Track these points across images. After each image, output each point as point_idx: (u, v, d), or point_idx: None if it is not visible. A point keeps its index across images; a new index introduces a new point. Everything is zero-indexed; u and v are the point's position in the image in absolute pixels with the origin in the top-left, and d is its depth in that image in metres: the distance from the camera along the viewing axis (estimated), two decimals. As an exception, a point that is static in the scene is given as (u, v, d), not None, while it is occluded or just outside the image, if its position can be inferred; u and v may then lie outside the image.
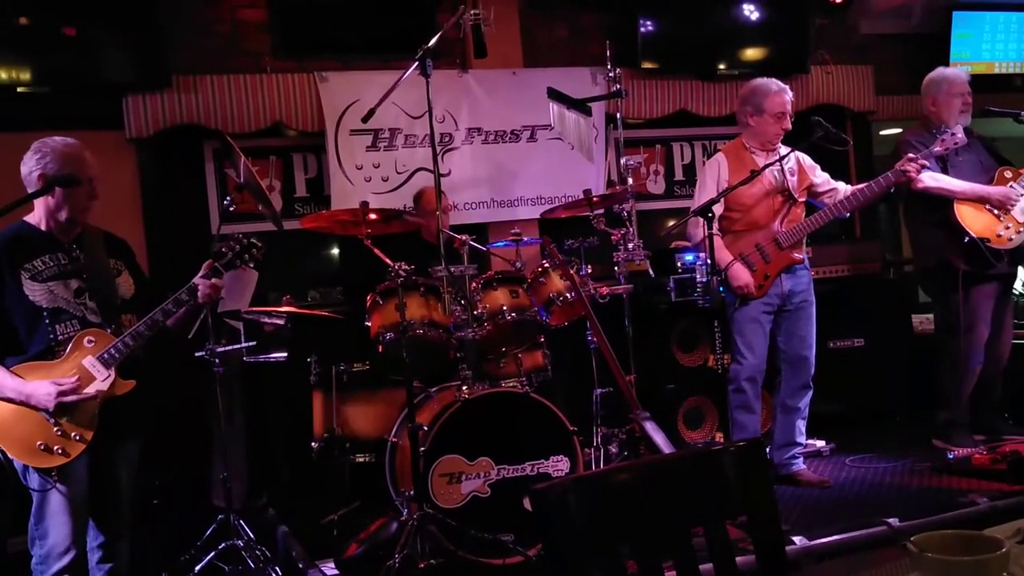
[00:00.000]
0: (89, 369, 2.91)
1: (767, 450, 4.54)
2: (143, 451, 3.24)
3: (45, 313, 2.93)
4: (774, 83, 4.47)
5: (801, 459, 4.60)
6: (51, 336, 2.93)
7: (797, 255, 4.44)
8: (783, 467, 4.52)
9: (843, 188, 4.55)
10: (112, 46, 4.92)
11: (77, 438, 2.87)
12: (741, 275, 4.37)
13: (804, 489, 4.42)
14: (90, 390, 2.90)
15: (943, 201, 4.59)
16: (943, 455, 4.54)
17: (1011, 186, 4.62)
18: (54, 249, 3.01)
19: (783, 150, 4.47)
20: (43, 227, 3.03)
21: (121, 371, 2.98)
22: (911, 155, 4.44)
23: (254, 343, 4.39)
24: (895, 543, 1.24)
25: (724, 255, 4.36)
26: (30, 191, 2.99)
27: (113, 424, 2.97)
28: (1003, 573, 1.20)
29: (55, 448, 2.84)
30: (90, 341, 2.94)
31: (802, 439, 4.59)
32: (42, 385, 2.84)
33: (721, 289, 4.33)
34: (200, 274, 3.08)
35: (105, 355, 2.93)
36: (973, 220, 4.56)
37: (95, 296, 3.02)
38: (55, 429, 2.85)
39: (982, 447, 4.49)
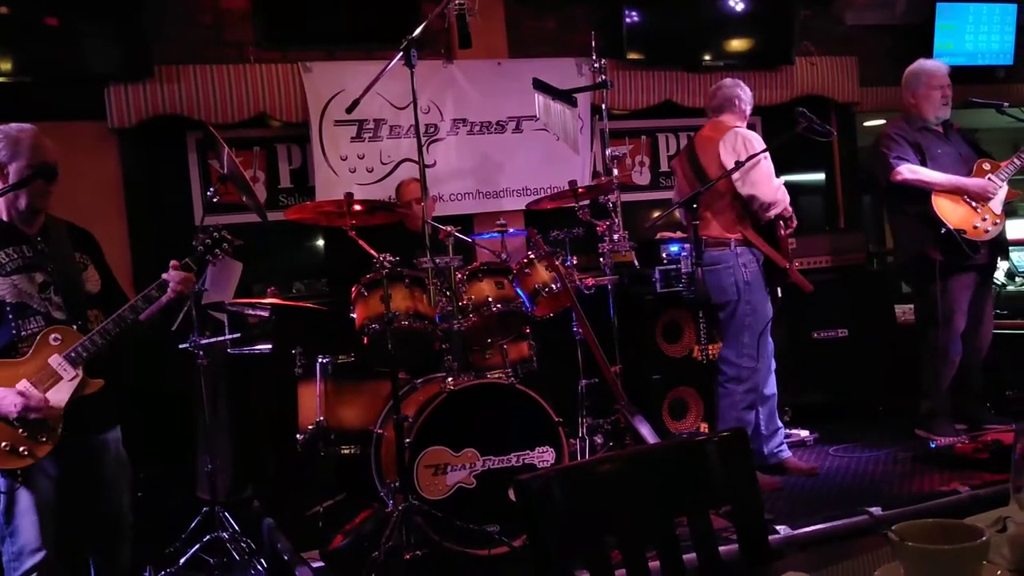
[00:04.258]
0: (56, 368, 2.83)
1: (757, 442, 4.56)
2: (125, 442, 3.16)
3: (9, 308, 2.83)
4: None
5: (786, 446, 4.62)
6: (15, 332, 2.83)
7: None
8: (772, 456, 4.53)
9: None
10: (94, 36, 4.88)
11: (43, 439, 2.79)
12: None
13: (788, 478, 4.44)
14: (59, 393, 2.82)
15: (922, 193, 4.62)
16: (926, 445, 4.57)
17: (989, 178, 4.65)
18: (18, 241, 2.90)
19: None
20: (4, 218, 2.94)
21: (88, 368, 2.89)
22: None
23: (238, 335, 4.37)
24: (877, 532, 1.25)
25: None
26: None
27: (82, 423, 2.89)
28: (983, 562, 1.21)
29: (21, 450, 2.76)
30: (56, 339, 2.85)
31: (781, 423, 4.63)
32: (8, 393, 2.75)
33: (741, 282, 4.32)
34: (171, 269, 3.03)
35: (72, 353, 2.84)
36: (950, 212, 4.59)
37: (60, 291, 2.92)
38: (20, 431, 2.77)
39: (964, 436, 4.52)
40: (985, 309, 4.87)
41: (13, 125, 2.94)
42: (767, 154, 4.28)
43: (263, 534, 4.12)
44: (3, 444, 2.75)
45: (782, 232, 4.36)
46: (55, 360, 2.83)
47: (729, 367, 4.41)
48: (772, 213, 4.30)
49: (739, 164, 4.16)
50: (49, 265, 2.92)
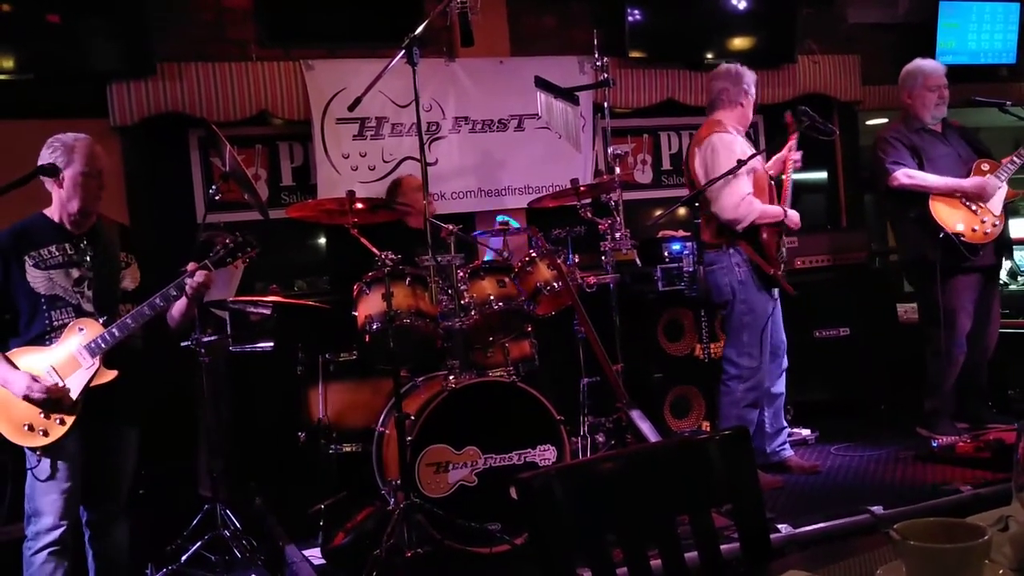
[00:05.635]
0: (76, 356, 3.05)
1: (760, 440, 4.57)
2: (141, 437, 3.34)
3: (43, 299, 3.09)
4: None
5: (788, 445, 4.61)
6: (47, 322, 3.09)
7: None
8: (774, 455, 4.52)
9: None
10: (96, 33, 4.87)
11: (58, 421, 3.01)
12: (795, 214, 4.36)
13: (790, 476, 4.44)
14: (76, 379, 3.03)
15: (919, 196, 4.62)
16: (927, 443, 4.56)
17: (988, 178, 4.64)
18: (62, 240, 3.16)
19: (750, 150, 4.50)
20: (56, 219, 3.19)
21: (114, 361, 3.08)
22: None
23: (240, 332, 4.38)
24: (879, 531, 1.25)
25: (775, 210, 4.29)
26: (47, 186, 3.16)
27: (107, 411, 3.11)
28: (985, 560, 1.20)
29: (38, 429, 3.00)
30: (81, 329, 3.07)
31: (785, 423, 4.61)
32: (20, 378, 2.99)
33: (731, 284, 4.31)
34: (188, 272, 3.13)
35: (92, 344, 3.05)
36: (948, 215, 4.58)
37: (94, 286, 3.15)
38: (39, 412, 3.01)
39: (966, 435, 4.52)
40: (992, 308, 4.87)
41: (69, 135, 3.19)
42: (740, 163, 4.15)
43: (264, 531, 4.12)
44: (24, 424, 2.99)
45: (764, 237, 4.31)
46: (77, 349, 3.05)
47: (731, 366, 4.40)
48: (740, 227, 4.25)
49: (711, 181, 4.09)
50: (88, 263, 3.17)
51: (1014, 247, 5.52)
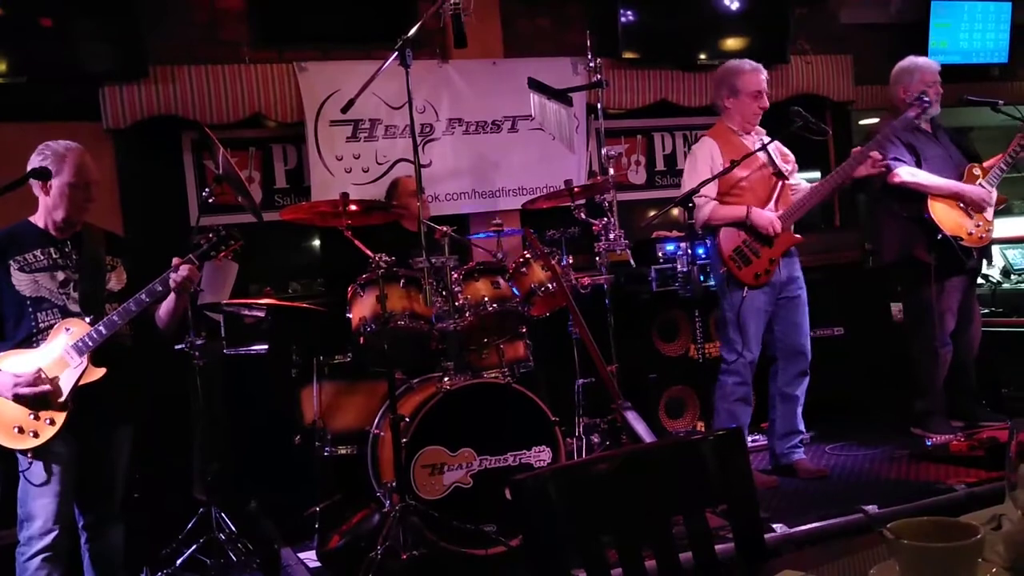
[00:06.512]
0: (64, 356, 3.06)
1: (769, 440, 4.57)
2: (135, 439, 3.35)
3: (28, 302, 3.11)
4: (747, 63, 4.47)
5: (802, 449, 4.57)
6: (33, 324, 3.11)
7: (797, 236, 4.43)
8: (783, 456, 4.51)
9: (805, 184, 4.60)
10: (89, 36, 4.85)
11: (48, 422, 3.02)
12: (763, 216, 4.30)
13: (785, 477, 4.43)
14: (65, 379, 3.04)
15: (916, 195, 4.61)
16: (921, 443, 4.57)
17: (980, 184, 4.65)
18: (47, 244, 3.19)
19: (767, 138, 4.47)
20: (41, 224, 3.22)
21: (104, 360, 3.09)
22: (870, 146, 4.44)
23: (235, 335, 4.38)
24: (873, 530, 1.25)
25: (734, 211, 4.30)
26: (35, 191, 3.19)
27: (98, 409, 3.11)
28: (978, 559, 1.21)
29: (28, 431, 3.00)
30: (68, 329, 3.09)
31: (802, 426, 4.57)
32: (5, 378, 3.00)
33: (712, 280, 4.32)
34: (173, 266, 3.15)
35: (79, 343, 3.06)
36: (946, 217, 4.58)
37: (79, 288, 3.16)
38: (29, 413, 3.01)
39: (960, 434, 4.53)
40: (973, 307, 4.88)
41: (61, 143, 3.21)
42: (705, 171, 4.27)
43: (259, 534, 4.12)
44: (14, 427, 2.99)
45: (718, 237, 4.33)
46: (65, 349, 3.07)
47: (722, 360, 4.46)
48: (697, 228, 4.32)
49: (695, 188, 4.11)
50: (73, 266, 3.20)
51: (1005, 246, 5.53)
